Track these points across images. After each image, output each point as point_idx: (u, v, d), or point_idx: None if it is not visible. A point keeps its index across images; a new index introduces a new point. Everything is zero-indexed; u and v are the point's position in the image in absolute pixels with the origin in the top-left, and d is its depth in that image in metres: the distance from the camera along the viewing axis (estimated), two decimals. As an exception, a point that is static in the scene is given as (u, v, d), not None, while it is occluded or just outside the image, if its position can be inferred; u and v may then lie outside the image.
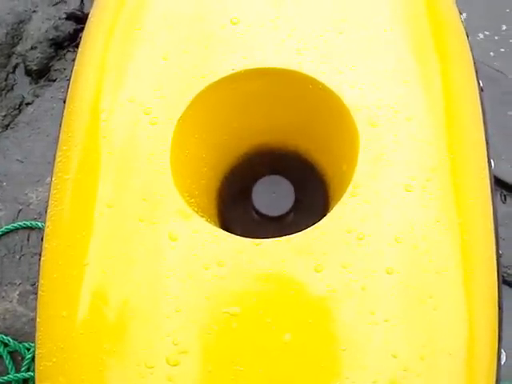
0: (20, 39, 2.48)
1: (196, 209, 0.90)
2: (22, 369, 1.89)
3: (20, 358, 1.92)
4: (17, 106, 2.35)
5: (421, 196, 0.87)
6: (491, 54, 2.35)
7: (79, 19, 2.46)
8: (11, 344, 1.91)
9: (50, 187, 0.97)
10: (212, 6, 1.03)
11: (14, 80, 2.42)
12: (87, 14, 1.15)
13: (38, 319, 0.90)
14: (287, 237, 0.85)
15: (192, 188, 0.95)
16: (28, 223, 2.10)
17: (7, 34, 2.46)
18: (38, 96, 2.39)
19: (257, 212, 1.02)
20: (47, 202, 0.96)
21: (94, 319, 0.84)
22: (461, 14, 1.14)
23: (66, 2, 2.57)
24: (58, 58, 2.46)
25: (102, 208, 0.89)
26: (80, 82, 1.03)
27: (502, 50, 2.38)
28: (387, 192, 0.87)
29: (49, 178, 0.99)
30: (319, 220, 0.86)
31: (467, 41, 1.11)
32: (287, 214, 1.01)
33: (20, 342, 1.92)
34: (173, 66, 0.97)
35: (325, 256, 0.83)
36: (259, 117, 1.04)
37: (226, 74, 0.96)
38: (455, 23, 1.11)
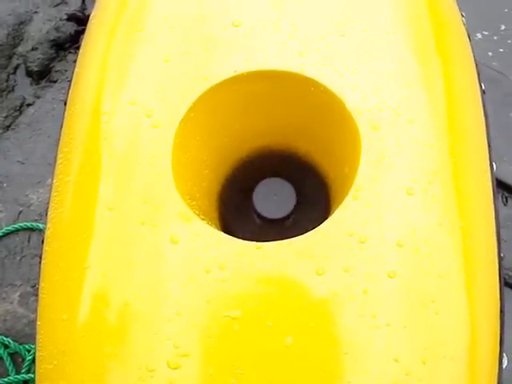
0: (21, 40, 2.48)
1: (197, 211, 0.90)
2: (23, 370, 1.88)
3: (20, 360, 1.91)
4: (17, 107, 2.35)
5: (423, 199, 0.87)
6: (490, 54, 2.34)
7: (80, 20, 2.45)
8: (12, 345, 1.90)
9: (50, 189, 0.97)
10: (214, 8, 1.02)
11: (15, 81, 2.42)
12: (88, 15, 1.15)
13: (38, 322, 0.90)
14: (289, 240, 0.85)
15: (193, 190, 0.94)
16: (29, 224, 2.09)
17: (8, 34, 2.46)
18: (38, 97, 2.38)
19: (258, 214, 1.01)
20: (48, 203, 0.96)
21: (94, 322, 0.84)
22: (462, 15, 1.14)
23: (67, 3, 2.57)
24: (58, 59, 2.46)
25: (103, 211, 0.88)
26: (81, 83, 1.03)
27: (501, 50, 2.37)
28: (389, 195, 0.87)
29: (49, 180, 0.99)
30: (321, 223, 0.86)
31: (469, 43, 1.11)
32: (288, 216, 1.01)
33: (20, 344, 1.91)
34: (174, 68, 0.97)
35: (326, 259, 0.83)
36: (261, 119, 1.04)
37: (228, 76, 0.96)
38: (457, 25, 1.11)
